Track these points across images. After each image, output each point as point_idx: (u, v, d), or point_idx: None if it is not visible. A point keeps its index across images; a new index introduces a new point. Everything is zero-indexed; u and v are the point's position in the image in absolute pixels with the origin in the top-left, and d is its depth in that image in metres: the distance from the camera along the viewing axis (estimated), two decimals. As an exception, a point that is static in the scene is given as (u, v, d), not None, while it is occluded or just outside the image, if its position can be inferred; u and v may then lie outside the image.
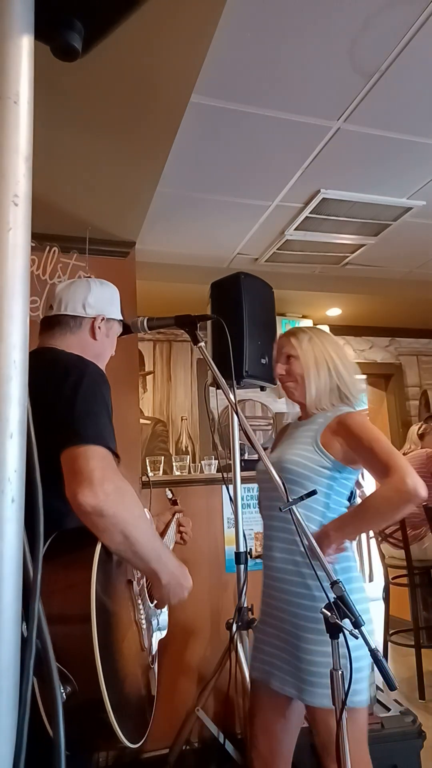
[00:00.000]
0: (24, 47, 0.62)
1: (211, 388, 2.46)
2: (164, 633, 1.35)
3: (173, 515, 1.61)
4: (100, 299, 1.37)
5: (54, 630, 0.89)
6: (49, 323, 1.35)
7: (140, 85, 1.95)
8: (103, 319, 1.36)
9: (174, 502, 1.72)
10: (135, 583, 1.21)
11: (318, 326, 4.88)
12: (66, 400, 1.07)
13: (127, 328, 1.49)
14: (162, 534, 1.49)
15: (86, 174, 2.52)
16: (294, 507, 1.23)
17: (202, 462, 3.16)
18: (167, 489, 1.84)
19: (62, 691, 0.84)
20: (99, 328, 1.35)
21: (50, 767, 0.55)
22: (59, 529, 1.06)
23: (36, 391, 1.10)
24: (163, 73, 1.90)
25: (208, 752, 2.25)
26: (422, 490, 1.28)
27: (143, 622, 1.20)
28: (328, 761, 1.35)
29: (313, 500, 1.44)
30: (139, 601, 1.21)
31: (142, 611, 1.21)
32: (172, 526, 1.55)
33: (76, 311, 1.33)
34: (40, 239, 2.92)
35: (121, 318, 1.44)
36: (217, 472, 2.95)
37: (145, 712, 1.09)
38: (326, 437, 1.50)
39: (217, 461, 3.04)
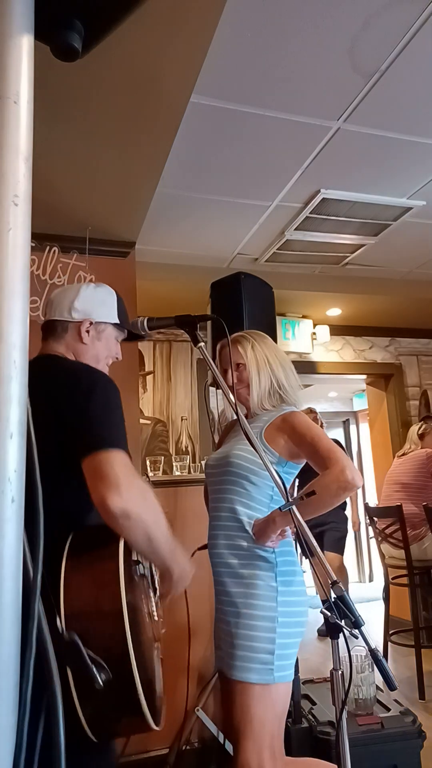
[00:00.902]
0: (24, 47, 0.62)
1: (211, 388, 2.46)
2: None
3: None
4: (88, 302, 1.35)
5: (88, 621, 0.95)
6: (44, 329, 1.37)
7: (140, 86, 1.95)
8: (91, 323, 1.34)
9: None
10: (147, 575, 1.24)
11: (318, 326, 4.90)
12: (82, 408, 1.10)
13: (132, 334, 1.48)
14: None
15: (86, 174, 2.52)
16: (293, 507, 1.23)
17: (202, 462, 3.15)
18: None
19: (99, 678, 0.89)
20: (87, 332, 1.33)
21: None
22: (77, 528, 1.10)
23: (46, 399, 1.13)
24: (163, 73, 1.90)
25: (208, 752, 2.25)
26: (358, 480, 1.43)
27: (154, 612, 1.24)
28: (242, 742, 1.38)
29: (258, 493, 1.54)
30: (150, 593, 1.24)
31: (153, 602, 1.24)
32: None
33: (62, 316, 1.34)
34: (40, 239, 2.92)
35: (117, 321, 1.40)
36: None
37: (161, 697, 1.12)
38: (270, 434, 1.58)
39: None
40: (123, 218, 2.97)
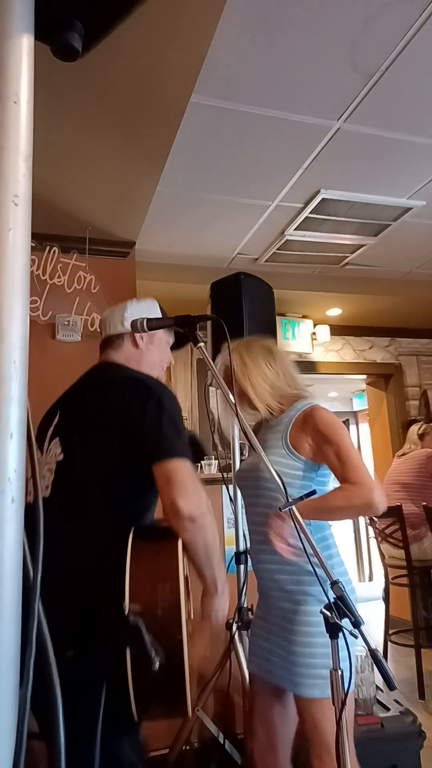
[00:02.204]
0: (24, 47, 0.62)
1: (211, 388, 2.46)
2: None
3: None
4: (137, 313, 1.46)
5: (149, 608, 1.03)
6: (102, 346, 1.50)
7: (141, 86, 1.95)
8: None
9: None
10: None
11: (319, 326, 4.90)
12: (153, 418, 1.22)
13: (179, 340, 1.56)
14: None
15: (86, 174, 2.52)
16: (294, 507, 1.23)
17: (202, 462, 3.16)
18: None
19: (156, 662, 0.98)
20: (141, 338, 1.46)
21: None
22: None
23: (110, 404, 1.26)
24: (164, 73, 1.90)
25: (208, 752, 2.25)
26: (383, 507, 1.37)
27: (191, 613, 1.30)
28: (309, 749, 1.40)
29: None
30: (190, 595, 1.31)
31: (191, 604, 1.31)
32: None
33: (117, 329, 1.47)
34: (40, 239, 2.92)
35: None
36: (217, 472, 2.95)
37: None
38: (295, 437, 1.50)
39: (217, 461, 3.04)
40: (123, 218, 2.97)
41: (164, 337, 1.53)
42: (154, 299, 1.56)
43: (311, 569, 1.40)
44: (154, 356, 1.49)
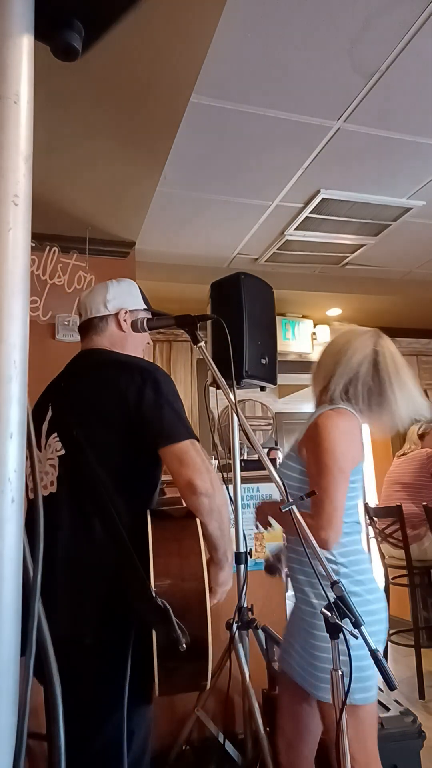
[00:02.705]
0: (24, 47, 0.62)
1: (211, 388, 2.46)
2: None
3: None
4: (118, 295, 1.47)
5: (175, 590, 1.07)
6: (83, 329, 1.47)
7: (140, 86, 1.95)
8: (126, 312, 1.46)
9: None
10: None
11: (319, 326, 4.90)
12: (152, 402, 1.23)
13: (156, 319, 1.51)
14: None
15: (86, 174, 2.52)
16: (294, 508, 1.23)
17: (202, 462, 3.15)
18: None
19: (184, 642, 1.01)
20: (125, 320, 1.45)
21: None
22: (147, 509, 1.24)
23: (105, 390, 1.26)
24: (163, 73, 1.90)
25: (208, 752, 2.25)
26: (330, 544, 1.35)
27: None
28: (332, 752, 1.38)
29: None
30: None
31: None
32: None
33: (99, 312, 1.45)
34: (40, 239, 2.92)
35: (146, 307, 1.51)
36: (217, 472, 2.95)
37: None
38: (302, 442, 1.47)
39: (217, 461, 3.04)
40: (123, 218, 2.97)
41: (144, 319, 1.51)
42: (132, 280, 1.54)
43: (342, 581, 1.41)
44: (137, 338, 1.48)
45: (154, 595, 1.05)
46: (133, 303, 1.48)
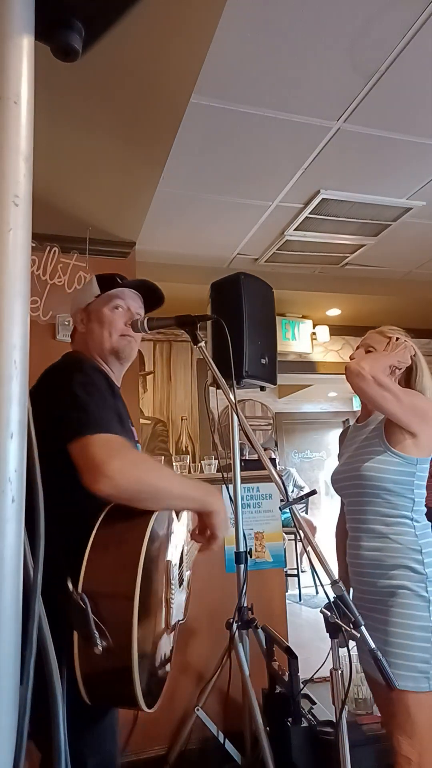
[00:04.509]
0: (24, 47, 0.62)
1: (211, 388, 2.46)
2: (182, 619, 1.35)
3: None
4: (74, 300, 1.47)
5: (101, 590, 0.97)
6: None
7: (141, 86, 1.95)
8: (79, 310, 1.43)
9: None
10: (172, 564, 1.24)
11: (318, 326, 4.90)
12: (58, 398, 1.10)
13: (106, 284, 1.44)
14: None
15: (86, 174, 2.52)
16: (294, 507, 1.23)
17: (202, 462, 3.16)
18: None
19: (100, 644, 0.93)
20: (81, 320, 1.42)
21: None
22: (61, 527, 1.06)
23: (35, 399, 1.19)
24: (164, 73, 1.90)
25: (208, 752, 2.25)
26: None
27: (172, 602, 1.23)
28: (402, 739, 1.40)
29: (399, 502, 1.49)
30: (173, 583, 1.25)
31: (173, 592, 1.24)
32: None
33: (71, 325, 1.48)
34: (40, 239, 2.92)
35: (98, 292, 1.42)
36: (217, 472, 2.95)
37: (161, 684, 1.14)
38: (391, 432, 1.52)
39: (217, 461, 3.04)
40: (123, 218, 2.97)
41: (100, 304, 1.41)
42: (94, 276, 1.48)
43: (408, 564, 1.44)
44: (96, 332, 1.39)
45: (72, 590, 0.96)
46: (84, 299, 1.43)
